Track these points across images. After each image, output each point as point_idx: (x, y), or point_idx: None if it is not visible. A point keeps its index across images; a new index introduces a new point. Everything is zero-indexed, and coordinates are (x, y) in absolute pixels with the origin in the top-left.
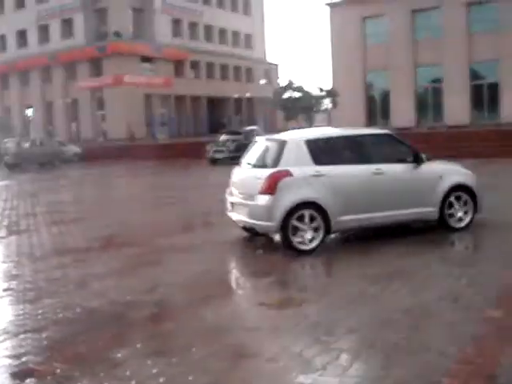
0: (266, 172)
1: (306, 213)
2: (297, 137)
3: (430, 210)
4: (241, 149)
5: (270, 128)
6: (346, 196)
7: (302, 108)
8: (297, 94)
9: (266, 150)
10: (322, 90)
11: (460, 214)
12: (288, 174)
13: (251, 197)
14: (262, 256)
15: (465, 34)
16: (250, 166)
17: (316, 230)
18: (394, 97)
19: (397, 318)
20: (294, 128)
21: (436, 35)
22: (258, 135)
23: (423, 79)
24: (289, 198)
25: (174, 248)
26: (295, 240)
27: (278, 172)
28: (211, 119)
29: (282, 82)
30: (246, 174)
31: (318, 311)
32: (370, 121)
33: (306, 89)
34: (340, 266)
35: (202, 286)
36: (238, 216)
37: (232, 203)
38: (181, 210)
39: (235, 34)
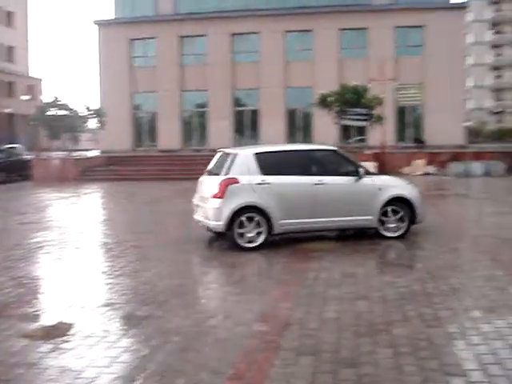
0: (218, 179)
1: (250, 215)
2: (248, 150)
3: (369, 219)
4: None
5: (33, 146)
6: (287, 202)
7: (67, 127)
8: (62, 112)
9: (222, 161)
10: (88, 109)
11: (393, 225)
12: (236, 181)
13: (207, 200)
14: (21, 283)
15: (228, 62)
16: (209, 174)
17: (259, 230)
18: (161, 120)
19: (170, 339)
20: (60, 148)
21: (202, 61)
22: (19, 154)
23: (189, 103)
24: (235, 201)
25: None
26: (240, 238)
27: (228, 179)
28: None
29: (47, 98)
30: (205, 181)
31: (82, 337)
32: (137, 143)
33: (72, 107)
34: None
35: None
36: (198, 217)
37: (196, 205)
38: None
39: None
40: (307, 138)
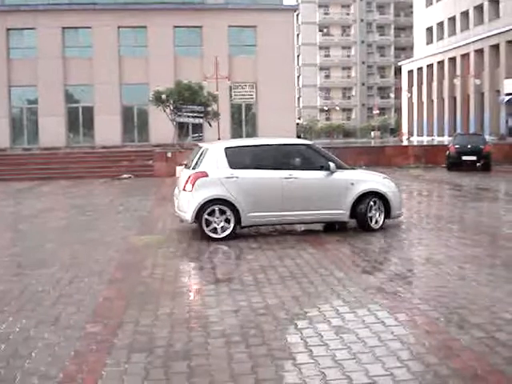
0: (188, 173)
1: (217, 207)
2: (218, 145)
3: (341, 213)
4: None
5: None
6: (256, 196)
7: None
8: None
9: (196, 155)
10: None
11: (376, 217)
12: (204, 174)
13: (180, 192)
14: None
15: (59, 57)
16: (185, 168)
17: (227, 222)
18: None
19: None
20: None
21: (31, 56)
22: None
23: (18, 100)
24: (203, 194)
25: None
26: (207, 229)
27: (197, 173)
28: None
29: None
30: (181, 174)
31: None
32: None
33: None
34: None
35: None
36: (175, 208)
37: (175, 198)
38: None
39: None
40: (144, 135)
